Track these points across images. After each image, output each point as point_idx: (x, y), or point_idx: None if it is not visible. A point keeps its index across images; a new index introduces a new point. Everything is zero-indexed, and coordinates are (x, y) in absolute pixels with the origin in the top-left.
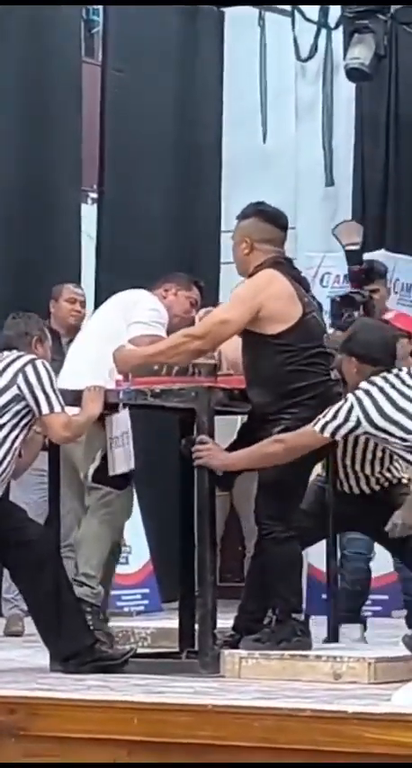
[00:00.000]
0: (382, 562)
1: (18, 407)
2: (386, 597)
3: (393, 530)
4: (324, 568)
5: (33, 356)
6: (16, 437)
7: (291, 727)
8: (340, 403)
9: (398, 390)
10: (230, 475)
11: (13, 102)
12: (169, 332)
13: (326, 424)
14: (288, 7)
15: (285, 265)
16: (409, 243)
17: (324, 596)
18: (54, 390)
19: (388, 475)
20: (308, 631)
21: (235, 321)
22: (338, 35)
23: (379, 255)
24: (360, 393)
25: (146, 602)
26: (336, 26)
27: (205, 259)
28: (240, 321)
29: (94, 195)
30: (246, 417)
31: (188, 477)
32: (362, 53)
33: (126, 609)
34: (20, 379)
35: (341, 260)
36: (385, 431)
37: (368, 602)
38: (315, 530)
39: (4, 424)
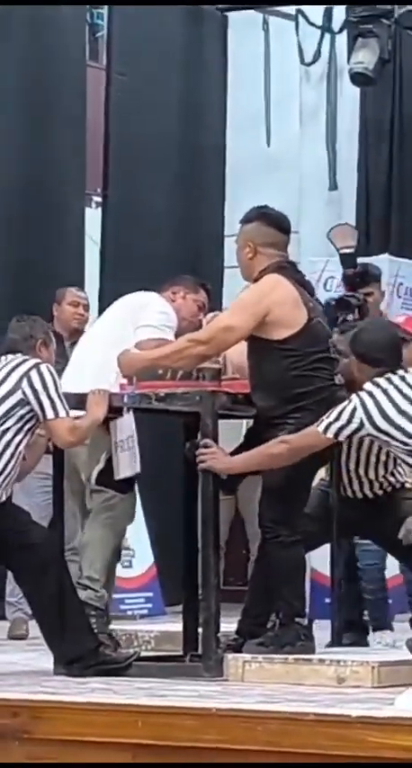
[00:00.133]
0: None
1: (22, 412)
2: (390, 601)
3: (407, 536)
4: (326, 572)
5: (38, 360)
6: (20, 441)
7: (295, 730)
8: (344, 404)
9: (402, 393)
10: (234, 478)
11: (17, 105)
12: (177, 335)
13: (330, 424)
14: (292, 11)
15: (289, 270)
16: None
17: (327, 600)
18: (59, 395)
19: (391, 479)
20: (311, 635)
21: (240, 327)
22: (342, 39)
23: (383, 260)
24: (363, 395)
25: (149, 605)
26: (340, 30)
27: (209, 263)
28: (245, 327)
29: (98, 199)
30: (251, 422)
31: (192, 481)
32: (366, 57)
33: (129, 612)
34: (24, 384)
35: None
36: (387, 433)
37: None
38: (318, 534)
39: (9, 429)
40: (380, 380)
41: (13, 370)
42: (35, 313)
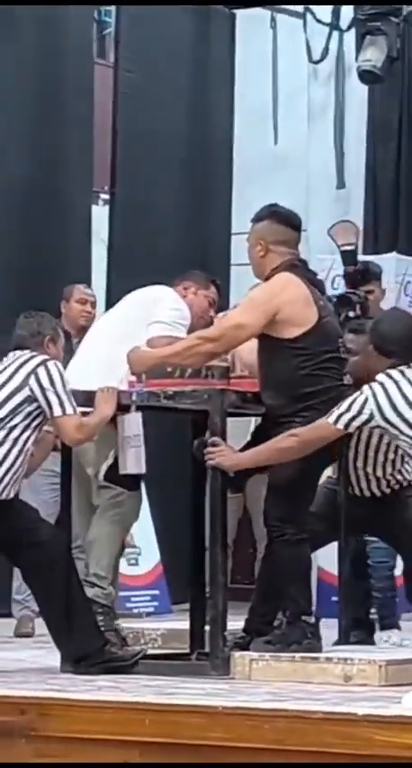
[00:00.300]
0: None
1: (30, 409)
2: (397, 599)
3: None
4: (333, 571)
5: (45, 357)
6: (28, 438)
7: (302, 729)
8: (355, 395)
9: None
10: (241, 476)
11: (24, 103)
12: (188, 331)
13: (341, 415)
14: (300, 9)
15: (301, 268)
16: None
17: (334, 599)
18: (66, 392)
19: (398, 477)
20: (318, 634)
21: (250, 325)
22: (350, 37)
23: (390, 258)
24: (375, 386)
25: (155, 603)
26: (348, 28)
27: (216, 261)
28: (255, 325)
29: (106, 196)
30: (259, 420)
31: (199, 479)
32: (374, 55)
33: (136, 610)
34: (32, 381)
35: None
36: (395, 426)
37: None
38: (325, 533)
39: (17, 425)
40: (394, 372)
41: (20, 366)
42: (42, 311)
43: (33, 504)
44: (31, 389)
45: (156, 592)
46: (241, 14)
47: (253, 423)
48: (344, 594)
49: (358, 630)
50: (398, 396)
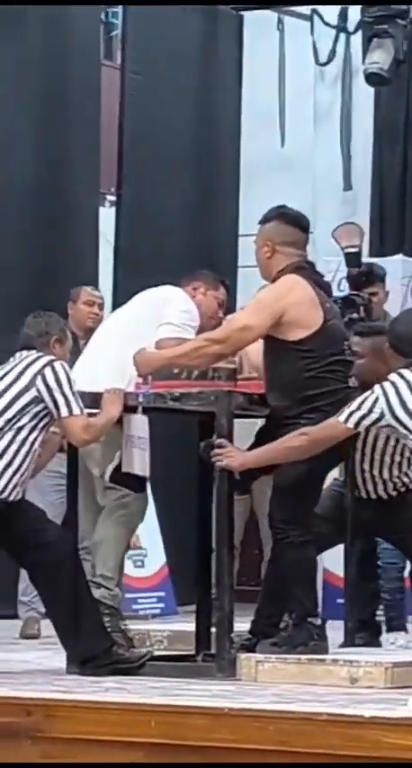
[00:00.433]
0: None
1: (37, 409)
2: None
3: None
4: (339, 572)
5: (52, 357)
6: (35, 439)
7: (308, 731)
8: (366, 394)
9: None
10: (248, 478)
11: (31, 104)
12: (198, 332)
13: (352, 413)
14: (307, 11)
15: (308, 270)
16: None
17: (340, 600)
18: (73, 393)
19: (405, 479)
20: (324, 636)
21: (256, 327)
22: (357, 40)
23: (397, 260)
24: (387, 385)
25: (161, 605)
26: (355, 31)
27: (223, 262)
28: (262, 327)
29: (112, 198)
30: (264, 421)
31: (205, 480)
32: (381, 58)
33: (142, 612)
34: (39, 381)
35: None
36: (405, 425)
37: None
38: (332, 535)
39: (24, 426)
40: (406, 372)
41: (27, 367)
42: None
43: (40, 505)
44: (38, 390)
45: (162, 593)
46: (248, 16)
47: (258, 424)
48: (350, 596)
49: (364, 632)
50: (409, 395)
